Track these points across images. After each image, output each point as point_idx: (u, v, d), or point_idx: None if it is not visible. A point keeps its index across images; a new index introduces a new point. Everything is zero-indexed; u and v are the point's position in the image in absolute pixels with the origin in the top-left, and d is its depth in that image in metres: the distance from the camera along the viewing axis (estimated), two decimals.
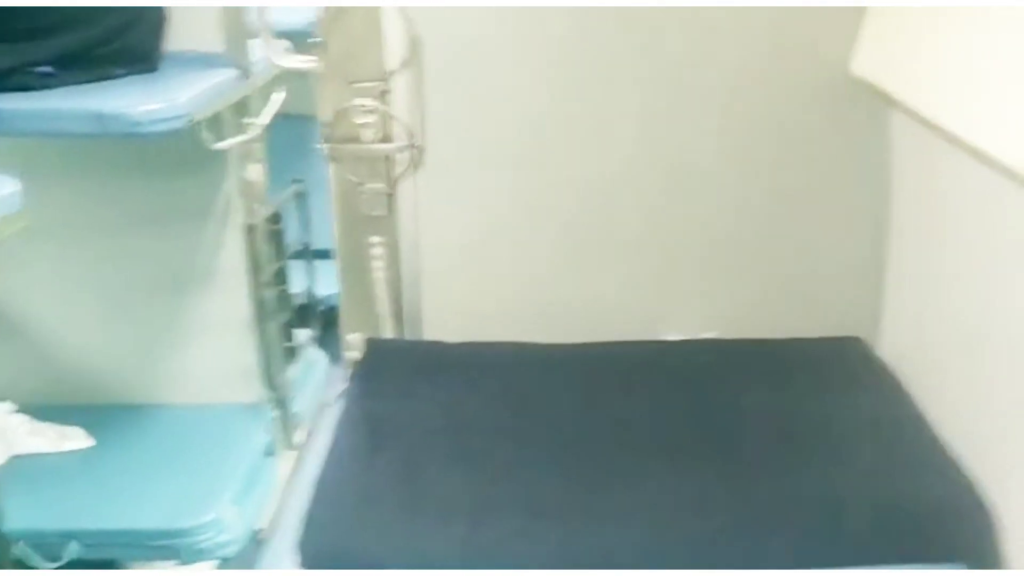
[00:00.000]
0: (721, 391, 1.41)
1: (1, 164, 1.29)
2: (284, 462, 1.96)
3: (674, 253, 1.66)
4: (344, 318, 1.79)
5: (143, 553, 1.78)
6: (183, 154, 1.85)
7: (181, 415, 2.00)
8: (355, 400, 1.46)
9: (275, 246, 1.90)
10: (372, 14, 1.63)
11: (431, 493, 1.21)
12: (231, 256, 1.90)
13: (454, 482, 1.22)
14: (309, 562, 1.15)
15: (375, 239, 1.73)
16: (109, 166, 1.92)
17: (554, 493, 1.20)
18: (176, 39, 1.74)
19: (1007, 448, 1.16)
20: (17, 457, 1.88)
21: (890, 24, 1.40)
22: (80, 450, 1.90)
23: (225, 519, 1.71)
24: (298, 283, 2.08)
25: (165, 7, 1.72)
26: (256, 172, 1.89)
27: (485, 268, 1.70)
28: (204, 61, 1.73)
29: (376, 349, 1.61)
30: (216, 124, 1.72)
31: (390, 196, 1.69)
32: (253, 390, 1.94)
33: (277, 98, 1.89)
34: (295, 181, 1.99)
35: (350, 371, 1.70)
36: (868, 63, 1.46)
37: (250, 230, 1.79)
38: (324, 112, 1.68)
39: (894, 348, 1.54)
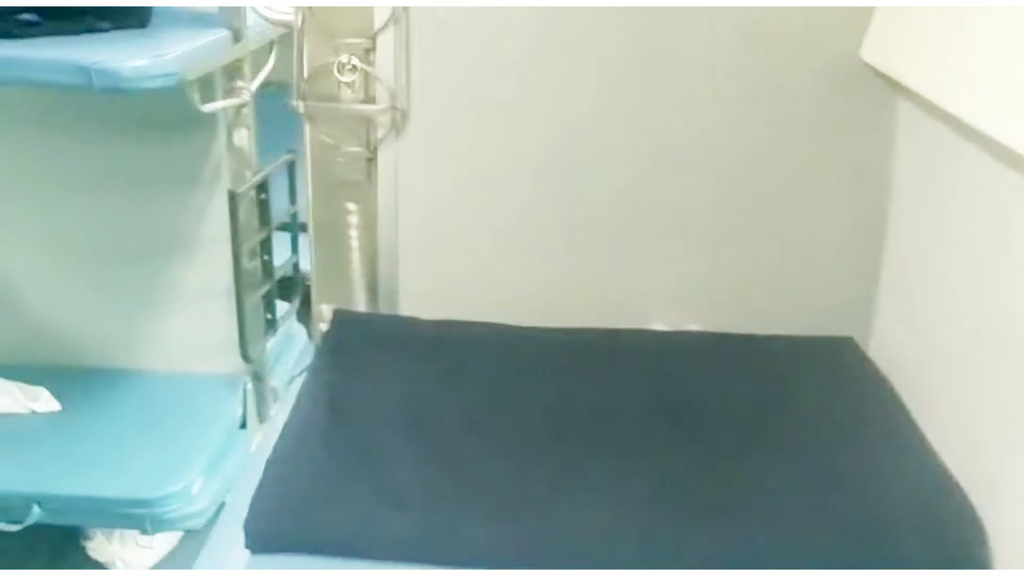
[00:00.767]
0: (702, 386, 1.37)
1: None
2: (258, 436, 1.92)
3: (662, 240, 1.61)
4: (316, 289, 1.73)
5: (107, 521, 1.74)
6: (170, 115, 1.80)
7: (155, 382, 1.96)
8: (317, 373, 1.41)
9: (260, 215, 1.85)
10: None
11: (385, 479, 1.15)
12: (214, 223, 1.85)
13: (410, 469, 1.17)
14: (253, 543, 1.10)
15: (351, 206, 1.66)
16: (92, 125, 1.87)
17: (516, 485, 1.16)
18: None
19: (999, 455, 1.13)
20: None
21: (904, 11, 1.37)
22: (48, 412, 1.86)
23: (193, 490, 1.68)
24: (283, 256, 2.04)
25: None
26: (244, 138, 1.84)
27: (465, 243, 1.64)
28: (196, 20, 1.69)
29: (344, 321, 1.55)
30: (206, 86, 1.67)
31: (369, 161, 1.62)
32: (230, 361, 1.90)
33: (270, 63, 1.85)
34: (289, 151, 1.94)
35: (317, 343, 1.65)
36: (879, 49, 1.42)
37: (235, 197, 1.74)
38: (304, 70, 1.60)
39: (887, 350, 1.51)
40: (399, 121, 1.59)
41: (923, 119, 1.39)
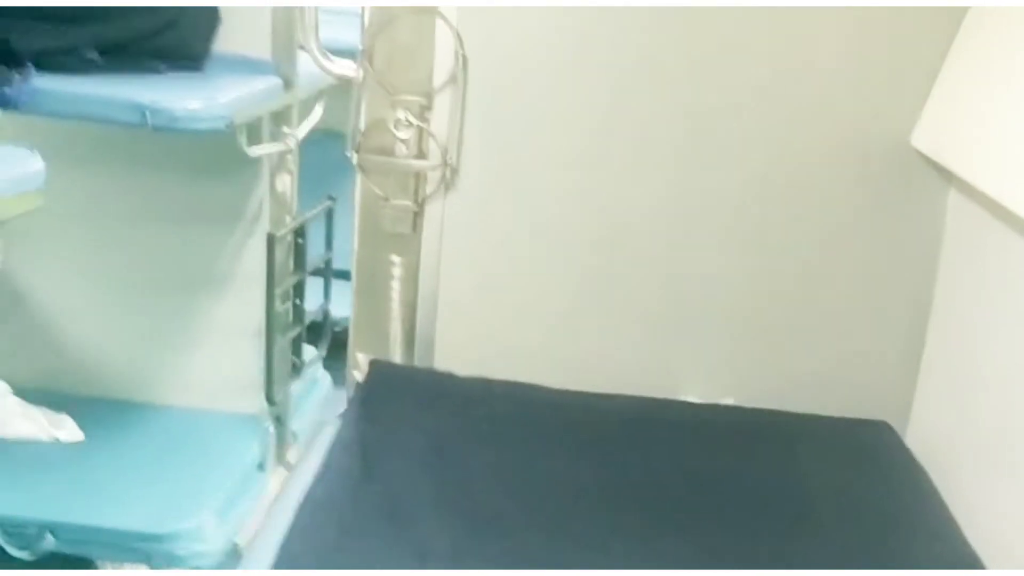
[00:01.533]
0: (733, 464, 1.36)
1: (33, 147, 1.28)
2: (274, 478, 1.92)
3: (701, 313, 1.61)
4: (354, 336, 1.75)
5: (118, 554, 1.73)
6: (217, 157, 1.84)
7: (177, 418, 1.97)
8: (351, 423, 1.42)
9: (296, 259, 1.88)
10: (421, 28, 1.62)
11: (413, 534, 1.16)
12: (250, 264, 1.88)
13: (437, 525, 1.18)
14: None
15: (395, 258, 1.68)
16: (140, 161, 1.92)
17: (538, 549, 1.15)
18: (225, 42, 1.74)
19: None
20: (5, 440, 1.85)
21: (957, 99, 1.38)
22: (70, 442, 1.86)
23: (205, 529, 1.67)
24: (314, 301, 2.06)
25: (217, 8, 1.72)
26: (287, 183, 1.88)
27: (504, 301, 1.65)
28: (250, 66, 1.73)
29: (380, 372, 1.56)
30: (254, 130, 1.71)
31: (416, 215, 1.65)
32: (253, 401, 1.90)
33: (317, 111, 1.89)
34: (330, 198, 1.98)
35: (352, 391, 1.65)
36: (930, 136, 1.43)
37: (273, 240, 1.76)
38: (360, 122, 1.64)
39: (924, 438, 1.48)
40: (449, 178, 1.62)
41: (972, 208, 1.39)
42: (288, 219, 1.86)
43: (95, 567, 1.86)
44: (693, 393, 1.59)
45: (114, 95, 1.50)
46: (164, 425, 1.95)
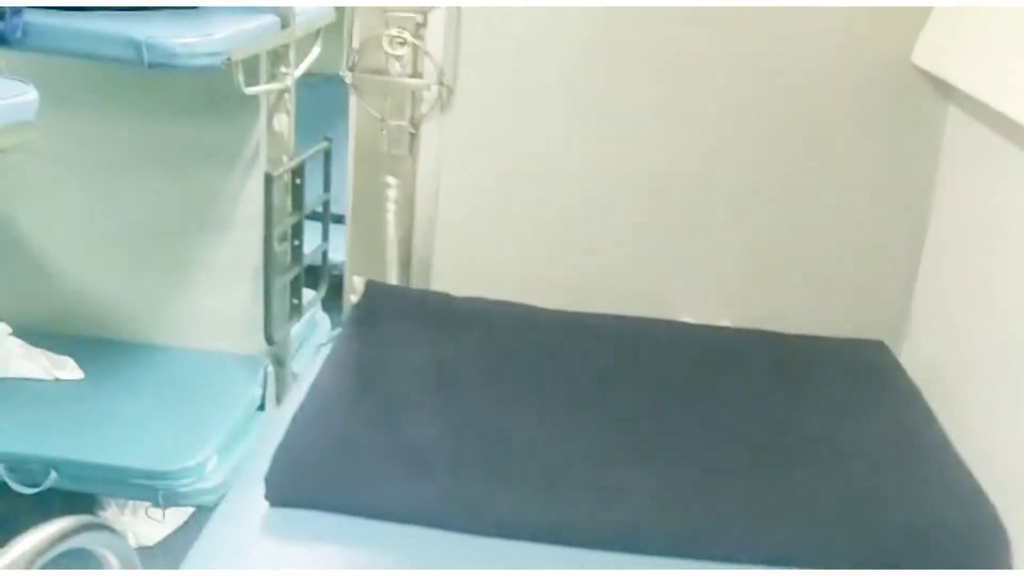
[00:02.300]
0: (726, 381, 1.35)
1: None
2: (275, 418, 1.94)
3: (697, 232, 1.59)
4: (350, 261, 1.73)
5: (122, 491, 1.75)
6: (213, 97, 1.83)
7: (177, 358, 1.98)
8: (345, 341, 1.41)
9: (294, 200, 1.88)
10: None
11: (409, 443, 1.16)
12: (249, 205, 1.88)
13: (435, 435, 1.18)
14: (274, 497, 1.10)
15: (391, 180, 1.65)
16: (137, 104, 1.91)
17: (537, 459, 1.16)
18: None
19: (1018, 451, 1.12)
20: (7, 380, 1.86)
21: (958, 14, 1.36)
22: (72, 381, 1.88)
23: (207, 467, 1.69)
24: (314, 248, 2.06)
25: None
26: (284, 123, 1.87)
27: (501, 222, 1.63)
28: (247, 5, 1.71)
29: (375, 293, 1.55)
30: (251, 69, 1.69)
31: (412, 135, 1.62)
32: (253, 342, 1.92)
33: (315, 51, 1.87)
34: (326, 139, 1.97)
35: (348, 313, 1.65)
36: (931, 52, 1.41)
37: (270, 180, 1.76)
38: (353, 39, 1.60)
39: (919, 356, 1.49)
40: (445, 97, 1.60)
41: (970, 124, 1.37)
42: (285, 159, 1.85)
43: (98, 503, 1.89)
44: (688, 315, 1.58)
45: (109, 30, 1.49)
46: (165, 365, 1.96)
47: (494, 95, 1.60)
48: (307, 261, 1.97)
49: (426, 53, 1.58)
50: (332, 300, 2.15)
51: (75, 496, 1.76)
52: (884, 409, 1.32)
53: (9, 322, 1.96)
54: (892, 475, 1.18)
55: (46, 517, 1.80)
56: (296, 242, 1.90)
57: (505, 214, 1.63)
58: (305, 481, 1.12)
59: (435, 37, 1.58)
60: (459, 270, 1.64)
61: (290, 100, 1.85)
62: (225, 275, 1.95)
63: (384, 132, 1.63)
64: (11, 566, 0.69)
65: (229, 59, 1.53)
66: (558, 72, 1.58)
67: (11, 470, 1.67)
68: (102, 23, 1.51)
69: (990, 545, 1.10)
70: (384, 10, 1.57)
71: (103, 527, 0.84)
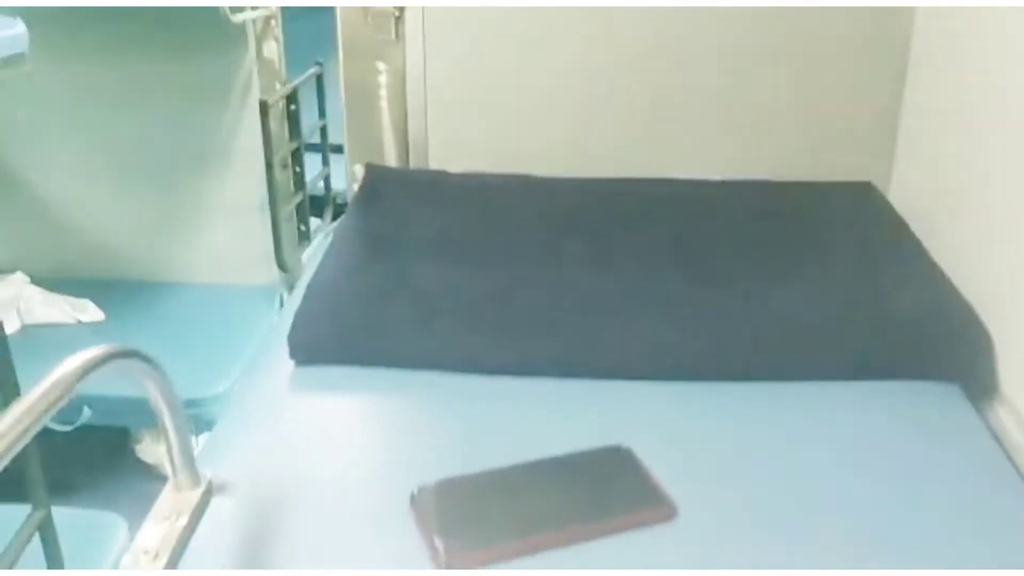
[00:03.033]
0: (721, 225, 1.41)
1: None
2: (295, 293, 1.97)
3: (685, 92, 1.60)
4: (349, 150, 1.75)
5: (153, 420, 1.80)
6: (201, 31, 1.83)
7: (194, 294, 2.02)
8: (352, 219, 1.46)
9: (290, 127, 1.89)
10: None
11: (424, 300, 1.22)
12: (247, 137, 1.89)
13: (439, 290, 1.23)
14: (296, 354, 1.17)
15: (381, 66, 1.66)
16: (128, 42, 1.91)
17: (549, 309, 1.21)
18: None
19: (1008, 276, 1.16)
20: (31, 326, 1.91)
21: None
22: (94, 322, 1.93)
23: (233, 393, 1.75)
24: (315, 175, 2.08)
25: None
26: (273, 51, 1.88)
27: (490, 98, 1.63)
28: None
29: (376, 174, 1.58)
30: None
31: (397, 19, 1.61)
32: (266, 272, 1.96)
33: None
34: (317, 63, 1.98)
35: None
36: None
37: (266, 107, 1.78)
38: None
39: (905, 193, 1.52)
40: None
41: None
42: (278, 86, 1.86)
43: (132, 436, 1.95)
44: (683, 173, 1.60)
45: None
46: (182, 301, 2.00)
47: None
48: (310, 191, 2.00)
49: None
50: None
51: (108, 430, 1.83)
52: (869, 236, 1.37)
53: (24, 271, 2.00)
54: (877, 284, 1.24)
55: (83, 452, 1.87)
56: (297, 168, 1.93)
57: (494, 89, 1.63)
58: (324, 338, 1.17)
59: None
60: (454, 148, 1.65)
61: (277, 26, 1.86)
62: (231, 208, 1.98)
63: (369, 19, 1.62)
64: (52, 389, 0.73)
65: None
66: None
67: None
68: None
69: (976, 347, 1.15)
70: None
71: (140, 355, 0.88)
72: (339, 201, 2.18)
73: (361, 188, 1.54)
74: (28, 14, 1.44)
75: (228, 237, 2.01)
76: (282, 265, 1.89)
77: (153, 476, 1.99)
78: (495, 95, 1.64)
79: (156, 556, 0.84)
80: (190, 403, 1.72)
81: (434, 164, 1.68)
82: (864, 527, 0.90)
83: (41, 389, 0.72)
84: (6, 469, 1.04)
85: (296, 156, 1.92)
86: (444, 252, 1.32)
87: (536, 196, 1.48)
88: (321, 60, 2.07)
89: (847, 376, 1.11)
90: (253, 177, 1.90)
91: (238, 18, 1.69)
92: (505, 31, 1.61)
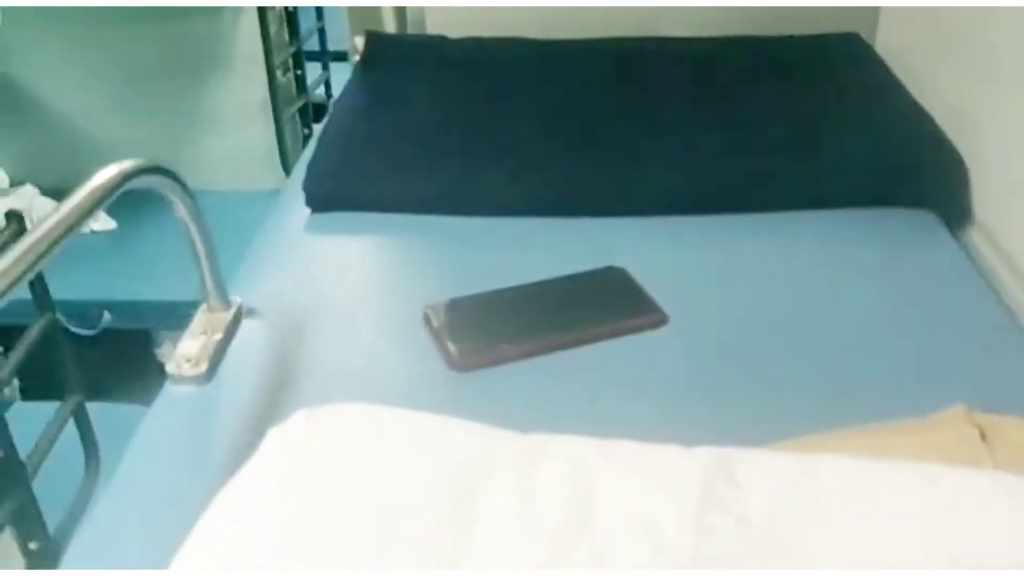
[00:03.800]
0: (712, 80, 1.45)
1: None
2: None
3: None
4: (349, 22, 1.76)
5: (172, 322, 1.87)
6: None
7: (202, 200, 2.04)
8: (358, 78, 1.50)
9: (290, 31, 1.90)
10: None
11: (429, 148, 1.28)
12: (247, 43, 1.90)
13: (452, 140, 1.30)
14: (312, 202, 1.24)
15: None
16: None
17: (538, 150, 1.28)
18: None
19: (985, 110, 1.21)
20: None
21: None
22: (106, 231, 1.97)
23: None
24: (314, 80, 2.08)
25: None
26: None
27: None
28: None
29: (376, 41, 1.62)
30: None
31: None
32: (271, 177, 1.99)
33: None
34: None
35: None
36: None
37: (264, 11, 1.78)
38: None
39: (891, 44, 1.55)
40: None
41: None
42: None
43: (152, 340, 2.02)
44: (675, 31, 1.62)
45: None
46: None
47: None
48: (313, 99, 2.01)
49: None
50: None
51: (129, 333, 1.89)
52: (859, 86, 1.42)
53: (33, 184, 2.04)
54: (860, 120, 1.31)
55: (106, 356, 1.94)
56: (298, 72, 1.94)
57: None
58: (337, 186, 1.24)
59: None
60: (452, 16, 1.66)
61: None
62: (235, 114, 2.00)
63: None
64: (81, 204, 0.78)
65: None
66: None
67: (69, 316, 1.79)
68: None
69: (951, 176, 1.22)
70: None
71: (170, 173, 0.94)
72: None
73: (364, 55, 1.57)
74: None
75: (233, 143, 2.04)
76: (287, 168, 1.92)
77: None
78: None
79: (196, 363, 0.91)
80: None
81: (432, 31, 1.70)
82: (847, 339, 0.97)
83: (82, 193, 0.78)
84: (40, 370, 1.11)
85: (297, 59, 1.93)
86: (447, 104, 1.38)
87: (532, 55, 1.52)
88: None
89: (832, 204, 1.19)
90: (255, 81, 1.92)
91: None
92: None
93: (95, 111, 2.06)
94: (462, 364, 0.93)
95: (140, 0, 1.89)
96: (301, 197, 1.24)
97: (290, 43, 1.91)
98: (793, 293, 1.05)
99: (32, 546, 0.98)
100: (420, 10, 1.67)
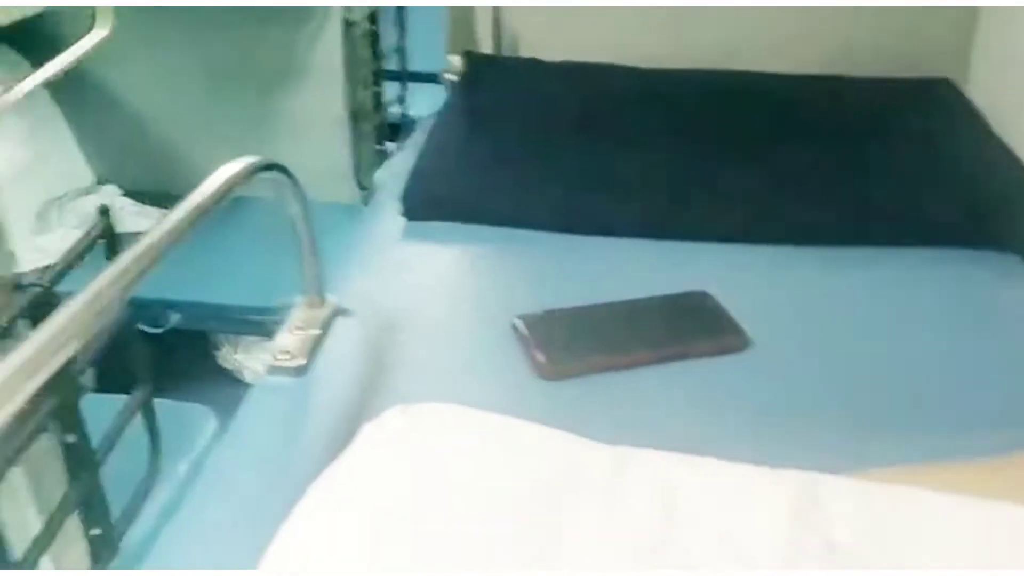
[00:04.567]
0: (803, 118, 1.48)
1: None
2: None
3: None
4: (448, 42, 1.79)
5: (235, 327, 1.90)
6: None
7: (276, 209, 2.08)
8: (456, 97, 1.56)
9: (372, 46, 1.93)
10: None
11: (529, 165, 1.33)
12: (329, 53, 1.93)
13: (550, 159, 1.34)
14: (410, 212, 1.25)
15: None
16: None
17: (647, 179, 1.32)
18: None
19: None
20: (122, 235, 1.99)
21: None
22: None
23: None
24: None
25: None
26: None
27: None
28: None
29: (475, 61, 1.65)
30: None
31: None
32: (345, 190, 2.01)
33: None
34: None
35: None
36: None
37: (349, 25, 1.81)
38: None
39: (984, 91, 1.53)
40: None
41: None
42: (361, 4, 1.89)
43: (213, 343, 2.04)
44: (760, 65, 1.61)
45: None
46: (264, 215, 2.05)
47: None
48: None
49: None
50: None
51: (192, 335, 1.92)
52: (949, 128, 1.43)
53: (117, 184, 2.09)
54: (957, 165, 1.33)
55: (171, 356, 1.96)
56: (377, 88, 1.96)
57: None
58: (435, 197, 1.29)
59: None
60: (548, 39, 1.68)
61: None
62: (313, 125, 2.02)
63: None
64: (213, 193, 0.81)
65: None
66: None
67: (139, 314, 1.82)
68: None
69: None
70: None
71: (284, 168, 0.97)
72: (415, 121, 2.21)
73: (463, 74, 1.59)
74: None
75: (309, 153, 2.03)
76: (361, 183, 1.94)
77: (232, 381, 2.09)
78: None
79: (293, 356, 0.91)
80: (270, 311, 1.80)
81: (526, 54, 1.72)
82: (931, 374, 0.97)
83: (215, 182, 0.81)
84: (113, 365, 1.13)
85: (377, 76, 1.96)
86: (544, 126, 1.42)
87: (623, 83, 1.55)
88: None
89: (917, 243, 1.20)
90: (333, 94, 1.94)
91: None
92: None
93: (175, 114, 2.11)
94: (549, 373, 0.94)
95: (227, 1, 1.94)
96: (393, 206, 1.28)
97: (372, 59, 1.93)
98: (875, 328, 1.06)
99: (94, 532, 0.98)
100: (514, 35, 1.70)
